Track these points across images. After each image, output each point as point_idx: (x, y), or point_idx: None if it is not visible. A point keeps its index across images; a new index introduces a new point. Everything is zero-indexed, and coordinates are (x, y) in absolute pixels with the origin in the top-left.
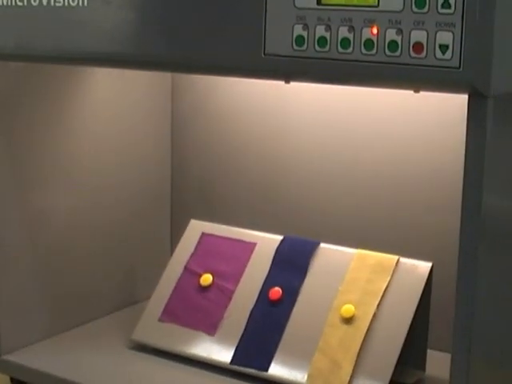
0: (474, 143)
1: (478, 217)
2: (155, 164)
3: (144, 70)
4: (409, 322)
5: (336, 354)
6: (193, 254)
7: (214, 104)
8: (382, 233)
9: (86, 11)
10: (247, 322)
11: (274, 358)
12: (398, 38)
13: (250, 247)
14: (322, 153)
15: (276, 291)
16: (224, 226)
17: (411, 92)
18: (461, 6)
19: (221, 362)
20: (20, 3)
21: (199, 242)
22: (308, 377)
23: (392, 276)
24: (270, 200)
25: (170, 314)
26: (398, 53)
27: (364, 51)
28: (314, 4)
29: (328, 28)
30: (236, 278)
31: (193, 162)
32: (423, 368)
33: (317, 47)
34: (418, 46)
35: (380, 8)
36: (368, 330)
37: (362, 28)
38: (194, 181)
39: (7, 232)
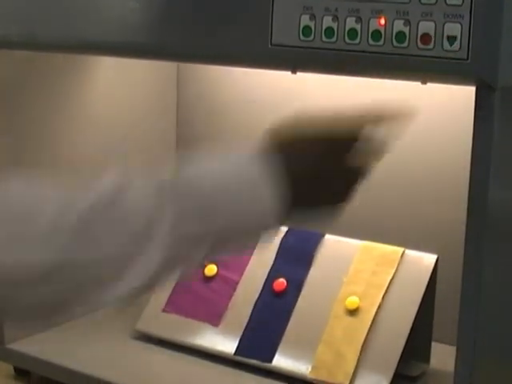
0: (481, 135)
1: (484, 209)
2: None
3: (149, 59)
4: (413, 315)
5: (340, 345)
6: None
7: (219, 94)
8: (387, 225)
9: None
10: (251, 313)
11: (278, 350)
12: (406, 29)
13: None
14: None
15: (280, 283)
16: None
17: (418, 83)
18: None
19: (225, 353)
20: None
21: None
22: (312, 368)
23: (397, 268)
24: None
25: (174, 304)
26: (405, 44)
27: (371, 42)
28: None
29: (335, 18)
30: (240, 268)
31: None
32: (428, 361)
33: (324, 38)
34: (425, 37)
35: None
36: (372, 322)
37: (369, 19)
38: None
39: None
